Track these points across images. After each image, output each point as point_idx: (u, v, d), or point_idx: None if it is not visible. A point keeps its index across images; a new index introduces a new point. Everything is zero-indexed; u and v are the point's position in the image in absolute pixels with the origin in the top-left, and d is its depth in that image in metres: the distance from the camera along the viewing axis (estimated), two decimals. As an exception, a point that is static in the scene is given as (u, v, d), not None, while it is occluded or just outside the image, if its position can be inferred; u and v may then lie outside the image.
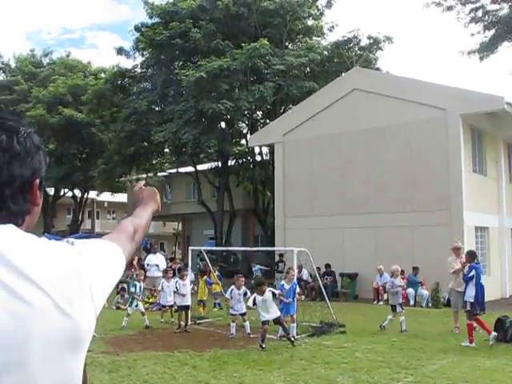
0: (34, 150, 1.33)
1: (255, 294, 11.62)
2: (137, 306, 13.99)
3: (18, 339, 1.09)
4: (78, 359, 1.22)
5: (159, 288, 15.10)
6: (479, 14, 29.92)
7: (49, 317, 1.14)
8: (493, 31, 30.02)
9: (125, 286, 17.98)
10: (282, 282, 13.11)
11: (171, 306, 14.77)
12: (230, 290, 13.22)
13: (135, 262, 18.15)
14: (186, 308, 13.79)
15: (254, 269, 26.09)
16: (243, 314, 12.73)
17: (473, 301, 11.48)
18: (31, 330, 1.11)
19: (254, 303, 11.54)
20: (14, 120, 1.33)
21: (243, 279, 13.54)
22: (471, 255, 12.07)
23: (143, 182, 2.08)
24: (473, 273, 11.63)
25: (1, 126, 1.28)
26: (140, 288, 14.40)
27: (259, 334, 11.83)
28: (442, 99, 19.75)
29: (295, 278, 12.96)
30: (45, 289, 1.14)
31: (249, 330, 12.50)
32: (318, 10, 31.96)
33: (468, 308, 11.60)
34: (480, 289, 11.57)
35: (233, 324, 12.58)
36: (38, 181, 1.34)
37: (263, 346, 10.86)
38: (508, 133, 22.22)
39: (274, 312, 11.48)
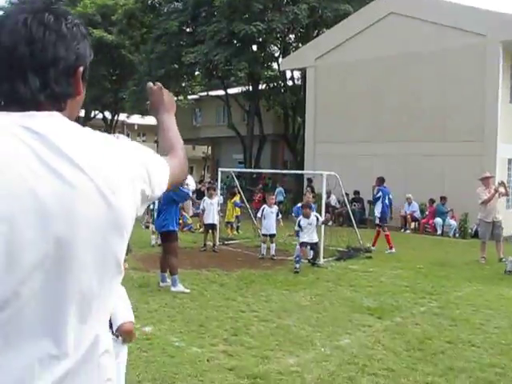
0: (81, 37, 1.34)
1: (301, 217, 11.73)
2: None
3: (59, 214, 1.13)
4: (119, 242, 1.27)
5: (201, 207, 14.13)
6: None
7: (91, 200, 1.18)
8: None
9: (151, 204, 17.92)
10: (299, 204, 13.27)
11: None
12: (261, 209, 13.40)
13: None
14: (213, 227, 13.85)
15: (276, 190, 25.94)
16: (272, 236, 12.92)
17: (379, 216, 14.26)
18: (72, 209, 1.15)
19: (299, 225, 11.65)
20: (65, 9, 1.36)
21: (273, 197, 14.16)
22: (380, 180, 14.78)
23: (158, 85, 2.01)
24: (380, 194, 14.41)
25: (51, 10, 1.30)
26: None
27: (285, 257, 12.12)
28: (482, 25, 18.89)
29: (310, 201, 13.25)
30: (88, 174, 1.17)
31: (273, 252, 12.73)
32: None
33: (377, 222, 14.52)
34: (385, 206, 14.39)
35: (264, 245, 12.79)
36: (81, 69, 1.34)
37: (297, 267, 10.98)
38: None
39: (315, 237, 11.70)
